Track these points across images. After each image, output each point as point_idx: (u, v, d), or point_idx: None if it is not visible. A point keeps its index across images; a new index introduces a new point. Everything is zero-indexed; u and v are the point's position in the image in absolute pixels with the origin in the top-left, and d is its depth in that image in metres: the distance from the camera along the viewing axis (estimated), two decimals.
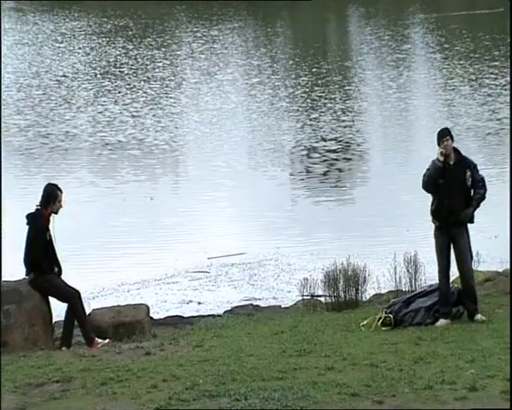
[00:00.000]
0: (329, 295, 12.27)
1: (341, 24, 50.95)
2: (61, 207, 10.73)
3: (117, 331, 10.83)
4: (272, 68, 34.96)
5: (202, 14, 51.62)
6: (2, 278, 11.17)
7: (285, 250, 15.62)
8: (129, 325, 10.90)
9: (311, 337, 10.06)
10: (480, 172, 10.62)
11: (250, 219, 17.67)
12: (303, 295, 12.63)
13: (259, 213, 18.04)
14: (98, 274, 14.28)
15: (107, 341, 10.66)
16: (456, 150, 10.56)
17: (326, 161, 22.10)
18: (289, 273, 14.62)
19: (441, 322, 10.62)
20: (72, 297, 10.66)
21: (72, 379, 8.77)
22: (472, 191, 10.59)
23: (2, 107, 27.98)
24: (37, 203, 10.71)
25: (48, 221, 10.68)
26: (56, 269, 10.74)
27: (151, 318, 11.57)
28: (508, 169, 18.25)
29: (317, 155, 22.48)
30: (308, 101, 28.76)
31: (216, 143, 23.98)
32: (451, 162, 10.53)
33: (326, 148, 23.05)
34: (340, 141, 23.69)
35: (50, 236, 10.68)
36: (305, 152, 22.82)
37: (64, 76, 33.55)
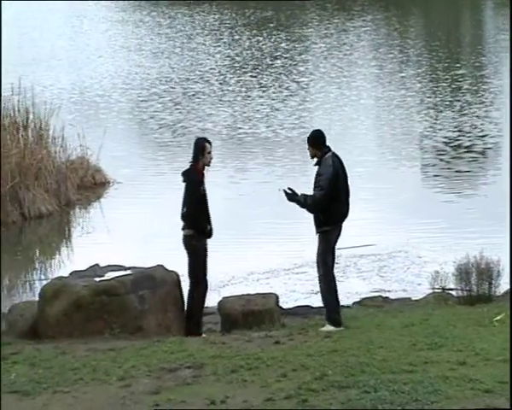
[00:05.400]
0: (461, 289, 12.05)
1: (476, 14, 49.79)
2: (211, 158, 10.89)
3: (246, 320, 10.93)
4: (407, 62, 34.47)
5: (345, 4, 51.26)
6: (138, 265, 11.43)
7: (415, 242, 15.42)
8: (258, 313, 10.99)
9: (442, 331, 9.91)
10: (318, 191, 10.47)
11: (380, 211, 17.54)
12: (434, 289, 12.46)
13: (389, 204, 17.88)
14: (228, 263, 14.44)
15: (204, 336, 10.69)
16: (322, 154, 10.61)
17: (459, 153, 21.70)
18: (420, 266, 14.43)
19: (328, 328, 10.48)
20: (198, 282, 10.76)
21: (203, 365, 8.93)
22: None
23: (149, 102, 28.40)
24: (190, 160, 10.87)
25: (202, 175, 10.84)
26: (208, 227, 10.83)
27: (280, 307, 11.63)
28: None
29: (449, 148, 22.11)
30: (445, 94, 28.22)
31: (349, 134, 23.82)
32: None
33: (459, 140, 22.63)
34: (474, 133, 23.20)
35: (204, 190, 10.83)
36: (436, 144, 22.47)
37: (210, 70, 33.55)
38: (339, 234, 10.75)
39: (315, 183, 10.63)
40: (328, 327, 10.52)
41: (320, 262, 10.64)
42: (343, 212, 10.73)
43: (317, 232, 10.66)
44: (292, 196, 10.63)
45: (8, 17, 49.06)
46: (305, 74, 32.56)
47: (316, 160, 10.77)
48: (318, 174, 10.63)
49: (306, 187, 10.94)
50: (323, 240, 10.64)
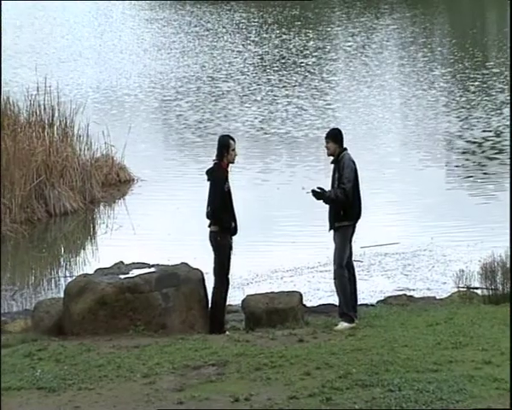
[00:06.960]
0: (486, 288, 11.98)
1: (503, 12, 49.40)
2: (235, 155, 10.92)
3: (270, 318, 10.93)
4: (436, 60, 34.23)
5: (373, 2, 51.01)
6: (162, 262, 11.47)
7: (440, 241, 15.36)
8: (282, 311, 10.98)
9: (467, 330, 9.87)
10: (346, 183, 10.62)
11: (404, 209, 17.48)
12: (458, 287, 12.40)
13: (413, 203, 17.81)
14: (252, 261, 14.45)
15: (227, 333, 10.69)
16: (340, 151, 10.75)
17: (483, 151, 21.57)
18: (444, 264, 14.37)
19: (343, 325, 10.47)
20: (221, 282, 10.76)
21: (227, 363, 8.94)
22: None
23: (176, 101, 28.41)
24: (214, 158, 10.90)
25: (226, 172, 10.86)
26: (233, 225, 10.84)
27: (304, 305, 11.62)
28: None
29: (474, 146, 21.97)
30: (475, 93, 28.03)
31: (377, 133, 23.72)
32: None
33: (489, 140, 22.47)
34: (500, 132, 23.05)
35: (229, 187, 10.84)
36: (465, 144, 22.33)
37: (238, 69, 33.37)
38: (353, 231, 10.80)
39: (338, 178, 10.67)
40: (343, 324, 10.51)
41: (336, 257, 10.66)
42: (360, 208, 10.85)
43: (335, 227, 10.69)
44: (321, 194, 10.69)
45: (37, 16, 49.48)
46: (334, 73, 32.47)
47: (332, 158, 10.83)
48: (340, 169, 10.68)
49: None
50: (341, 234, 10.70)
